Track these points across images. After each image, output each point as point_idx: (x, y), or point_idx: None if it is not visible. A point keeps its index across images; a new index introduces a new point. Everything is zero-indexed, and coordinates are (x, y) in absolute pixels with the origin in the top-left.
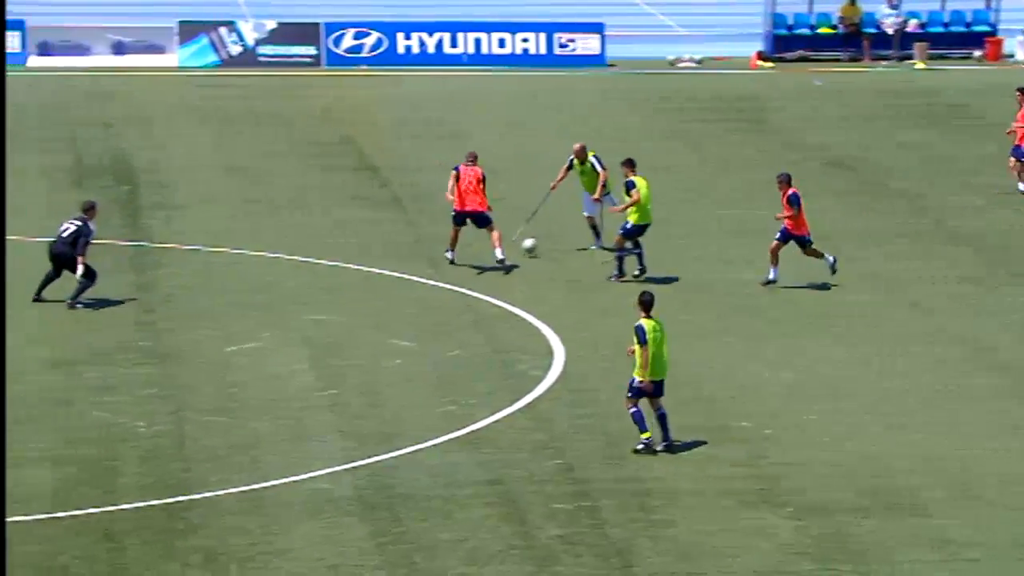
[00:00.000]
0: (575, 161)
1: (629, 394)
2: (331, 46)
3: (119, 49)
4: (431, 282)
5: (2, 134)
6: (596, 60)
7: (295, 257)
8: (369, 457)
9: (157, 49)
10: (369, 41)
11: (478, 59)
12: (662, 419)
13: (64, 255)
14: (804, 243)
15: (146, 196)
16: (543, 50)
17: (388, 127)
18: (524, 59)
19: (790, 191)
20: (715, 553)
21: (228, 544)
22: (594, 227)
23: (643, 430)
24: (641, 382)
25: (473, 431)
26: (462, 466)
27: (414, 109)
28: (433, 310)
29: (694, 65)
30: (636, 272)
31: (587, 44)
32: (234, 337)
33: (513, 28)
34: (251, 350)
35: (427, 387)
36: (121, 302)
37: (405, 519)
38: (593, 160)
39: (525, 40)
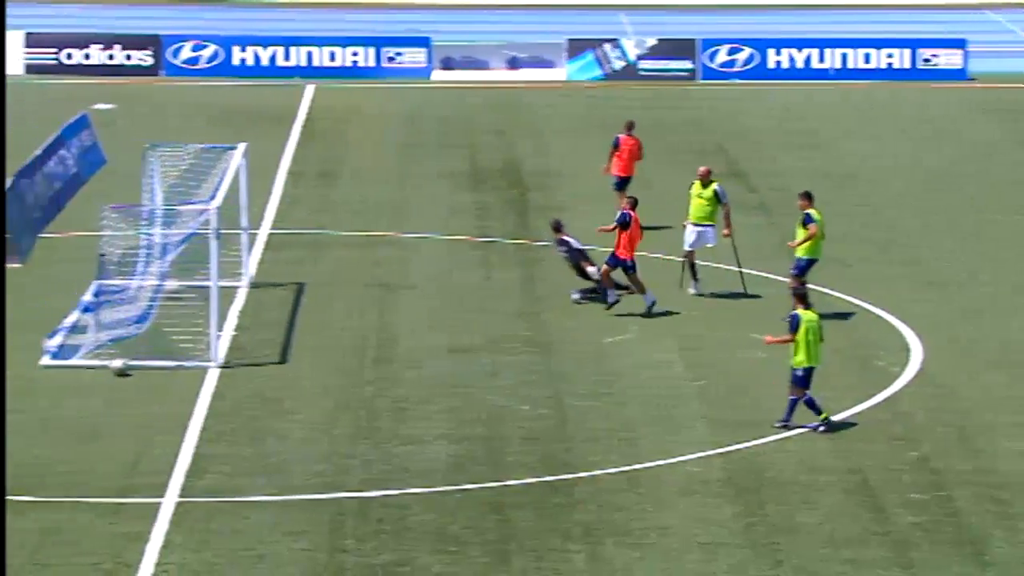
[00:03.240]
0: (697, 184)
1: (795, 383)
2: (706, 61)
3: (513, 64)
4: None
5: (2, 134)
6: (958, 74)
7: (661, 255)
8: (736, 443)
9: (547, 64)
10: (742, 56)
11: (844, 73)
12: (793, 403)
13: (582, 271)
14: (626, 268)
15: (534, 198)
16: (907, 64)
17: (757, 136)
18: (888, 73)
19: (625, 209)
20: None
21: (606, 519)
22: (692, 265)
23: (819, 412)
24: (796, 369)
25: (833, 422)
26: (823, 454)
27: (782, 120)
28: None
29: None
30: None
31: (950, 59)
32: (606, 328)
33: (878, 44)
34: (624, 341)
35: (788, 379)
36: (509, 295)
37: (769, 502)
38: (718, 189)
39: (890, 56)
